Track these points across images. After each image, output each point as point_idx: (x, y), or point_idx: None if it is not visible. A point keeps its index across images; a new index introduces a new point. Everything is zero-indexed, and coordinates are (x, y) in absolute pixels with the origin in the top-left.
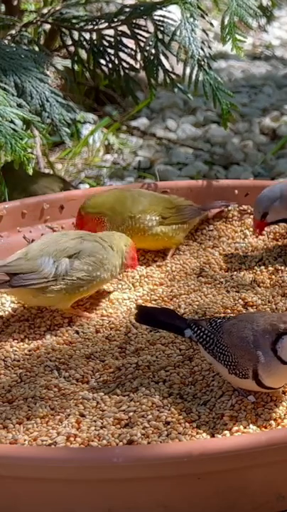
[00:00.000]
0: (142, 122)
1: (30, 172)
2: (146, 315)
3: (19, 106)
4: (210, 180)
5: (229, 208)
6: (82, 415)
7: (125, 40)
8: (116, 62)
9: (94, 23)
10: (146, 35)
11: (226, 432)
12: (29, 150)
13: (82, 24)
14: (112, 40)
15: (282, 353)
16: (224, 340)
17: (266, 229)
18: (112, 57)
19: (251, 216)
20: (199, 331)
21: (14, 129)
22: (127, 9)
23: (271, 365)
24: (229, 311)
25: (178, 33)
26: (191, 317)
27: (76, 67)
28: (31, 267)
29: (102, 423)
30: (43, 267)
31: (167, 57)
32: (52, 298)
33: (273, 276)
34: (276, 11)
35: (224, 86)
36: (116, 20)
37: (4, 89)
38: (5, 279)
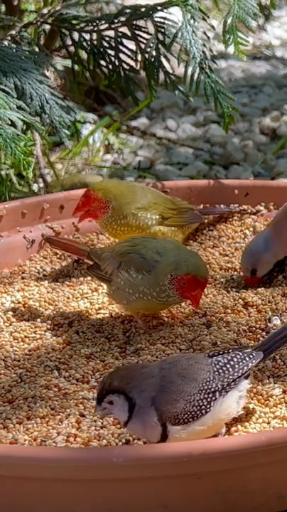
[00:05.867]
0: (142, 122)
1: (30, 176)
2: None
3: (19, 108)
4: (210, 180)
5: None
6: (82, 415)
7: (125, 42)
8: (117, 63)
9: (95, 23)
10: (147, 36)
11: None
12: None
13: (82, 25)
14: (112, 41)
15: None
16: None
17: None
18: (112, 59)
19: (252, 216)
20: None
21: (14, 133)
22: (127, 10)
23: None
24: (229, 310)
25: (179, 35)
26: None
27: (76, 67)
28: (100, 258)
29: (102, 423)
30: (104, 262)
31: (168, 60)
32: (112, 298)
33: (273, 277)
34: (276, 11)
35: (225, 86)
36: (116, 21)
37: (4, 91)
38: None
